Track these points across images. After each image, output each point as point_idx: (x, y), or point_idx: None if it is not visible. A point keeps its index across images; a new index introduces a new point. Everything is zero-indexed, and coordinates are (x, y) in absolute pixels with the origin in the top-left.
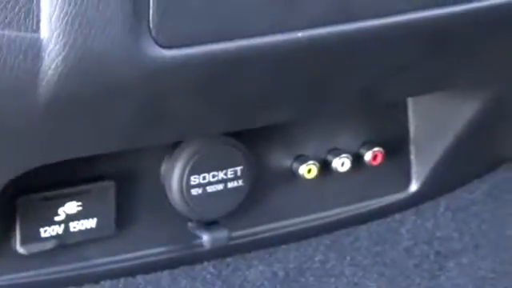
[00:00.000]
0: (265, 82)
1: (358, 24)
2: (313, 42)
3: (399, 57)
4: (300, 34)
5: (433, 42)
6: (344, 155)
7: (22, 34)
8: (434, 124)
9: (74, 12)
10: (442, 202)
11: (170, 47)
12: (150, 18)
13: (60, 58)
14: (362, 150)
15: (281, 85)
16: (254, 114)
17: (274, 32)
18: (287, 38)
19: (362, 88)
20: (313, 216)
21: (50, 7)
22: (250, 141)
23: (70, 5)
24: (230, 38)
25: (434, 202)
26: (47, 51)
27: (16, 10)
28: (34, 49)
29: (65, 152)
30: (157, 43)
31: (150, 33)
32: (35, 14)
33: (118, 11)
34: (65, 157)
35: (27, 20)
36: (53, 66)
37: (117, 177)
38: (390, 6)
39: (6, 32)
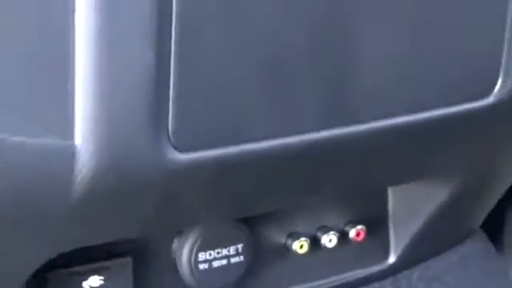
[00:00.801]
0: (266, 178)
1: (350, 128)
2: (310, 145)
3: (385, 155)
4: (298, 139)
5: (414, 141)
6: (331, 232)
7: (60, 141)
8: (411, 204)
9: (105, 123)
10: (416, 271)
11: (185, 151)
12: (169, 127)
13: (92, 162)
14: (347, 228)
15: (280, 181)
16: (255, 203)
17: (275, 137)
18: (288, 141)
19: (350, 181)
20: (303, 286)
21: (84, 119)
22: (250, 221)
23: (101, 117)
24: (237, 143)
25: (409, 271)
26: (80, 155)
27: (54, 121)
28: (69, 154)
29: (92, 238)
30: (174, 148)
31: (169, 139)
32: (70, 123)
33: (143, 122)
34: (92, 242)
35: (63, 129)
36: (85, 170)
37: (134, 253)
38: (380, 110)
39: (45, 140)
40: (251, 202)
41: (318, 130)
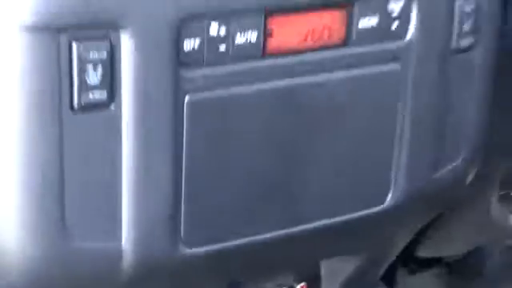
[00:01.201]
0: (249, 260)
1: (299, 228)
2: (276, 239)
3: (318, 243)
4: (269, 235)
5: (334, 235)
6: (284, 287)
7: (112, 243)
8: (335, 268)
9: (140, 231)
10: None
11: (193, 246)
12: (182, 233)
13: (132, 256)
14: (294, 284)
15: (259, 260)
16: (241, 275)
17: (255, 235)
18: (263, 237)
19: (299, 257)
20: None
21: (127, 230)
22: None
23: (138, 229)
24: (230, 240)
25: None
26: (125, 252)
27: (109, 232)
28: (118, 251)
29: None
30: (184, 244)
31: (181, 239)
32: (119, 232)
33: (164, 230)
34: None
35: (114, 237)
36: (128, 261)
37: None
38: (315, 216)
39: (103, 243)
40: (238, 275)
41: (278, 229)
